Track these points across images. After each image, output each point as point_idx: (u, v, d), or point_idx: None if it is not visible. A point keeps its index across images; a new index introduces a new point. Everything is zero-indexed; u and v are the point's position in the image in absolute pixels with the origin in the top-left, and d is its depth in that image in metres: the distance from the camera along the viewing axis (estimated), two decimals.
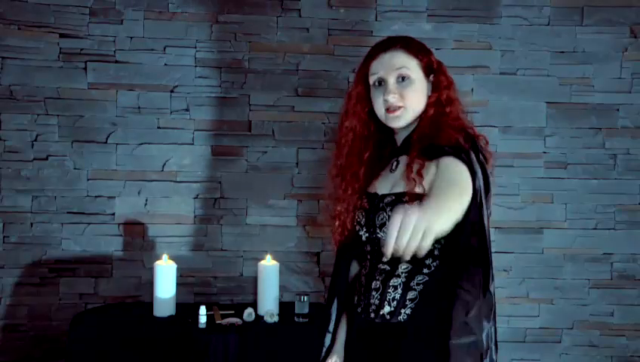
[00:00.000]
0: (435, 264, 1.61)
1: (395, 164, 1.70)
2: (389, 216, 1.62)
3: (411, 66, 1.65)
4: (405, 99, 1.64)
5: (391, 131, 1.73)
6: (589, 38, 3.07)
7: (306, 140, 3.05)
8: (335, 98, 3.02)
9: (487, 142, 1.66)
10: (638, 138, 3.07)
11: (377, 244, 1.67)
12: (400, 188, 1.63)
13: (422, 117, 1.67)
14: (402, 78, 1.65)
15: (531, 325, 3.06)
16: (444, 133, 1.60)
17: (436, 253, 1.61)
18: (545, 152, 3.07)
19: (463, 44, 3.06)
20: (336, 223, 1.76)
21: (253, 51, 3.03)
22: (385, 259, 1.64)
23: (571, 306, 3.07)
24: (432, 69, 1.68)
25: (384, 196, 1.66)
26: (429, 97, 1.67)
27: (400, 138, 1.72)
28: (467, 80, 3.01)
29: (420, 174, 1.58)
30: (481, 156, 1.59)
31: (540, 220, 3.07)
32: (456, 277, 1.55)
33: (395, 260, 1.63)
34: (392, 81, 1.65)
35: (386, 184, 1.69)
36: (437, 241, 1.59)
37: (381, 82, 1.67)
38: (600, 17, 3.06)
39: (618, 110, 3.07)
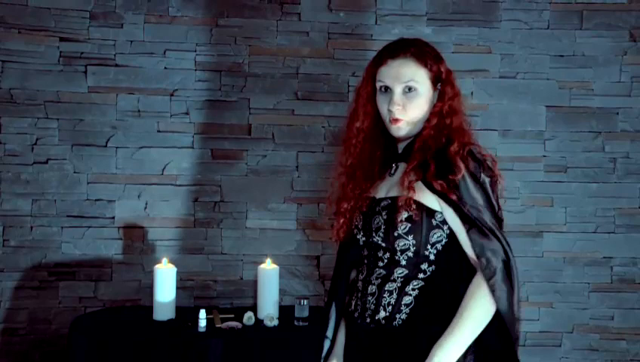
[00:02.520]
0: (430, 269, 1.61)
1: (394, 168, 1.71)
2: (384, 220, 1.62)
3: (419, 77, 1.63)
4: (408, 111, 1.63)
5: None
6: (589, 42, 3.07)
7: (306, 144, 3.05)
8: (335, 102, 3.02)
9: (494, 162, 1.63)
10: (637, 142, 3.07)
11: (374, 248, 1.67)
12: (395, 193, 1.64)
13: (425, 125, 1.65)
14: (409, 89, 1.63)
15: (531, 329, 3.06)
16: (447, 155, 1.58)
17: (432, 258, 1.61)
18: (545, 156, 3.08)
19: (463, 48, 3.06)
20: (341, 220, 1.73)
21: (253, 55, 3.03)
22: (381, 264, 1.64)
23: (571, 310, 3.06)
24: (440, 79, 1.66)
25: (380, 200, 1.67)
26: (433, 106, 1.66)
27: (402, 144, 1.71)
28: (467, 83, 3.01)
29: (411, 187, 1.58)
30: (480, 178, 1.58)
31: (539, 223, 3.07)
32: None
33: (392, 264, 1.64)
34: (398, 91, 1.63)
35: (384, 188, 1.69)
36: (433, 246, 1.60)
37: (387, 89, 1.65)
38: (599, 21, 3.07)
39: (618, 114, 3.07)
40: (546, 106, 3.08)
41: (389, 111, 1.64)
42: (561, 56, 3.07)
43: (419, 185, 1.59)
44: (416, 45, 1.68)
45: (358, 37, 3.04)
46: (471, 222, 1.54)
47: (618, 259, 3.07)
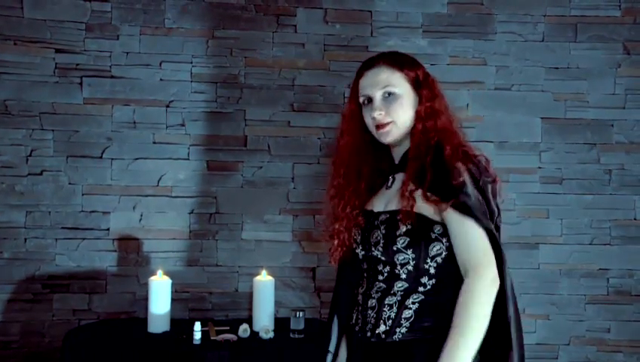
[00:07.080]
0: (431, 283, 1.60)
1: (391, 181, 1.70)
2: (382, 234, 1.62)
3: (396, 81, 1.65)
4: (392, 114, 1.64)
5: (388, 147, 1.73)
6: (583, 55, 3.09)
7: (302, 155, 3.05)
8: (331, 113, 3.02)
9: (487, 162, 1.63)
10: (632, 153, 3.08)
11: (374, 262, 1.66)
12: (394, 206, 1.63)
13: (413, 132, 1.66)
14: (388, 94, 1.65)
15: (528, 341, 3.01)
16: (444, 160, 1.57)
17: (432, 271, 1.60)
18: (540, 167, 3.08)
19: (458, 60, 3.08)
20: (335, 242, 1.74)
21: (249, 66, 3.04)
22: (381, 278, 1.64)
23: (568, 322, 3.06)
24: (419, 82, 1.67)
25: (379, 214, 1.66)
26: (416, 111, 1.67)
27: (397, 154, 1.71)
28: (462, 95, 3.03)
29: (412, 197, 1.58)
30: (481, 182, 1.58)
31: (535, 235, 3.07)
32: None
33: (392, 278, 1.63)
34: (378, 97, 1.66)
35: (382, 201, 1.69)
36: (433, 259, 1.59)
37: (370, 100, 1.67)
38: (593, 34, 3.09)
39: (612, 126, 3.09)
40: (541, 118, 3.09)
41: (373, 118, 1.65)
42: (556, 68, 3.09)
43: (418, 195, 1.58)
44: (390, 54, 1.73)
45: (354, 49, 3.05)
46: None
47: (614, 270, 3.06)
